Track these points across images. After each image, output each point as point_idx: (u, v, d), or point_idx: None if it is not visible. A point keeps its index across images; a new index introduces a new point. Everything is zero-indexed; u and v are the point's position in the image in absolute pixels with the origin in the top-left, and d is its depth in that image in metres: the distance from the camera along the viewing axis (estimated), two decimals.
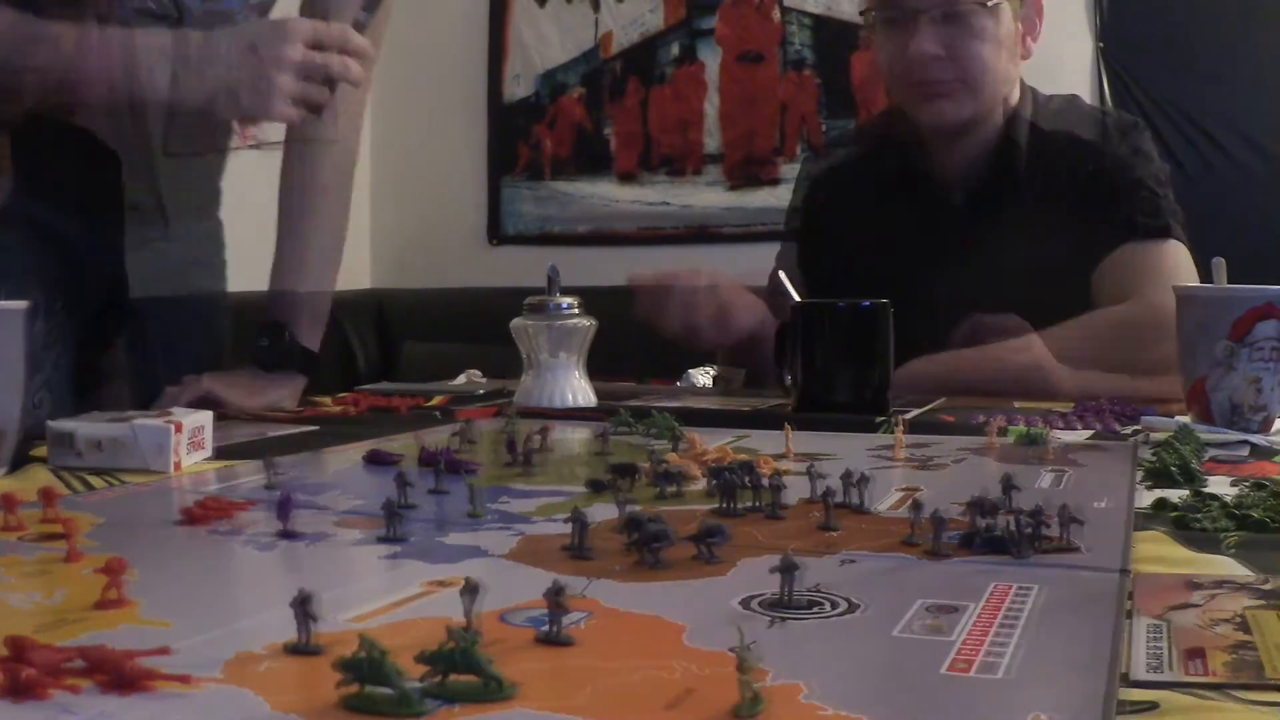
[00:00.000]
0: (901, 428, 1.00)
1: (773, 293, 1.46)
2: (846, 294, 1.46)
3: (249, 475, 0.85)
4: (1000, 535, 0.61)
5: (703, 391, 1.70)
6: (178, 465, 0.86)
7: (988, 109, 1.54)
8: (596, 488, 0.78)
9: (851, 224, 1.65)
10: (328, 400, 1.35)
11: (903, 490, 0.80)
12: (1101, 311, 1.45)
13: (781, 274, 1.35)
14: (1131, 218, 1.48)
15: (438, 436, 1.04)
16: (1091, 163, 1.53)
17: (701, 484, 0.80)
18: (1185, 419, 1.09)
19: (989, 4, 1.47)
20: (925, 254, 1.57)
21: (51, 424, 0.87)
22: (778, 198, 3.45)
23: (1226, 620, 0.50)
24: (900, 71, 1.51)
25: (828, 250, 1.67)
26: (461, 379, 1.67)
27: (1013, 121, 1.56)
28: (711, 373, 1.94)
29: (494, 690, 0.40)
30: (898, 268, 1.56)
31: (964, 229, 1.56)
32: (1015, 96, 1.57)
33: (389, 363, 3.33)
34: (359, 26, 1.23)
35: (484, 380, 1.65)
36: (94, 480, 0.82)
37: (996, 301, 1.50)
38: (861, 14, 1.63)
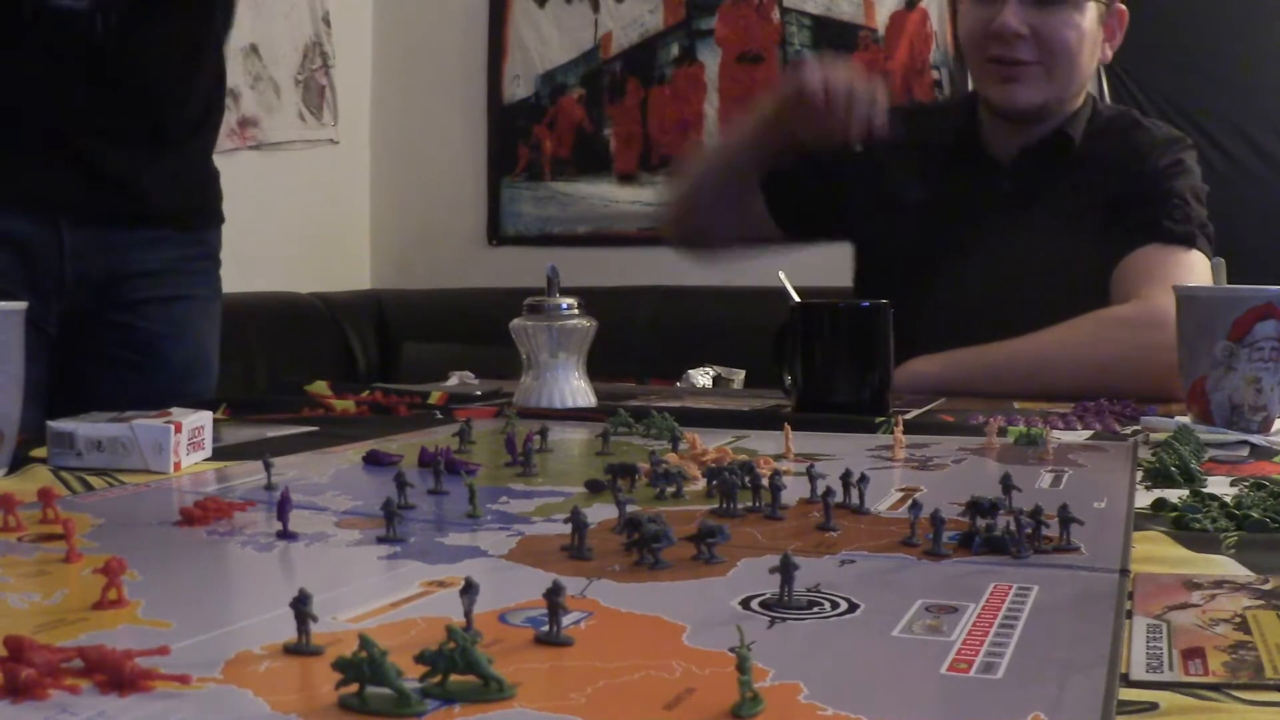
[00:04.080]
0: (900, 428, 1.00)
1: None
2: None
3: (248, 476, 0.85)
4: (999, 535, 0.61)
5: (703, 391, 1.70)
6: (177, 465, 0.86)
7: (1060, 99, 1.54)
8: (595, 488, 0.78)
9: (886, 158, 1.62)
10: (350, 404, 1.27)
11: (902, 490, 0.80)
12: (1106, 310, 1.45)
13: (781, 274, 1.35)
14: (1157, 221, 1.49)
15: (437, 437, 1.04)
16: (1134, 166, 1.54)
17: (701, 484, 0.80)
18: (1185, 419, 1.09)
19: None
20: (963, 224, 1.58)
21: (51, 424, 0.87)
22: None
23: (1226, 620, 0.50)
24: (981, 45, 1.52)
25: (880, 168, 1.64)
26: (453, 380, 1.66)
27: (1072, 119, 1.57)
28: (711, 373, 1.94)
29: (493, 690, 0.40)
30: (936, 239, 1.58)
31: (1005, 210, 1.57)
32: (1081, 98, 1.59)
33: (389, 363, 3.33)
34: None
35: (476, 382, 1.65)
36: (94, 480, 0.82)
37: (1020, 286, 1.52)
38: None
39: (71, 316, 1.38)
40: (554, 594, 0.46)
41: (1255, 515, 0.68)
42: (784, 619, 0.50)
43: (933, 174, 1.63)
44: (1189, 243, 1.49)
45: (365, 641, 0.39)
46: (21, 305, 0.85)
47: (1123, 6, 1.58)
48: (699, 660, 0.44)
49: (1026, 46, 1.49)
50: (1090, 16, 1.51)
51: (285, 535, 0.65)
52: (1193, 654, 0.45)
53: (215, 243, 1.53)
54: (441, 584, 0.55)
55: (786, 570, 0.51)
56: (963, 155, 1.62)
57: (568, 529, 0.62)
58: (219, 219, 1.53)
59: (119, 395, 1.20)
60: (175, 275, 1.45)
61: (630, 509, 0.67)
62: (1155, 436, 1.03)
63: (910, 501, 0.69)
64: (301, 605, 0.45)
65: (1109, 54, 1.59)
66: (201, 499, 0.71)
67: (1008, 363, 1.42)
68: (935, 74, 3.28)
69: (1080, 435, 1.08)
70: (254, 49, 3.32)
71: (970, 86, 1.74)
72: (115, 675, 0.41)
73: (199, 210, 1.50)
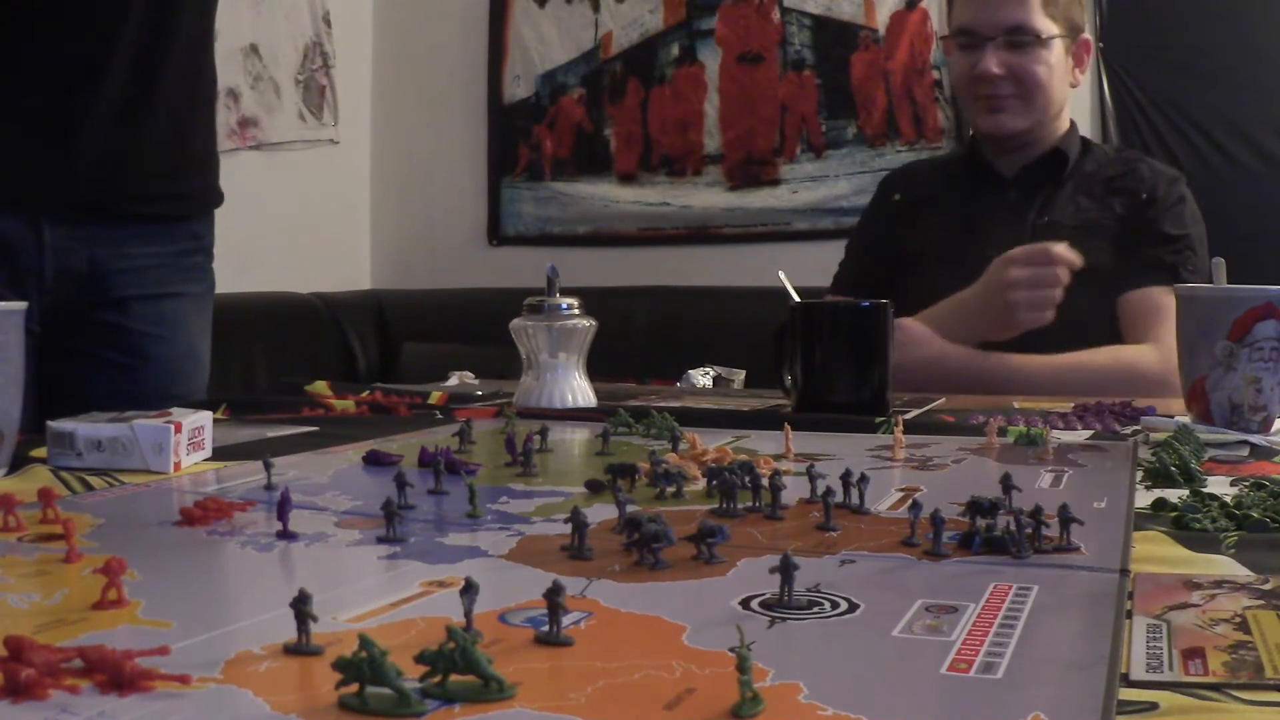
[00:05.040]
0: (900, 428, 1.00)
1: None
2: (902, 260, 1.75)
3: (248, 476, 0.85)
4: (999, 535, 0.61)
5: (703, 391, 1.70)
6: (177, 465, 0.86)
7: (1039, 123, 1.77)
8: (595, 488, 0.78)
9: (919, 198, 1.89)
10: (351, 404, 1.28)
11: (902, 490, 0.80)
12: (1124, 353, 1.62)
13: (781, 274, 1.35)
14: (1175, 266, 1.69)
15: (437, 437, 1.04)
16: (1146, 190, 1.74)
17: (701, 484, 0.80)
18: (1185, 419, 1.09)
19: (1044, 37, 1.73)
20: (975, 230, 1.77)
21: (51, 424, 0.87)
22: (777, 198, 3.45)
23: (1226, 620, 0.50)
24: (968, 86, 1.79)
25: (893, 226, 1.88)
26: (453, 380, 1.66)
27: (1064, 139, 1.80)
28: (711, 373, 1.94)
29: (493, 690, 0.40)
30: (950, 242, 1.77)
31: (1013, 216, 1.77)
32: (1065, 124, 1.81)
33: (389, 363, 3.33)
34: None
35: (476, 381, 1.65)
36: (94, 480, 0.82)
37: None
38: (941, 37, 1.92)
39: (55, 313, 1.33)
40: (554, 594, 0.46)
41: (1255, 515, 0.68)
42: (784, 619, 0.50)
43: (951, 189, 1.86)
44: None
45: (365, 641, 0.39)
46: (21, 305, 0.85)
47: (1088, 37, 1.82)
48: (699, 660, 0.44)
49: (1005, 84, 1.74)
50: (1057, 51, 1.75)
51: (285, 535, 0.65)
52: (1193, 654, 0.45)
53: (208, 235, 1.48)
54: (441, 584, 0.55)
55: (786, 570, 0.51)
56: (972, 172, 1.85)
57: (568, 529, 0.62)
58: (213, 203, 1.48)
59: (106, 396, 1.17)
60: (165, 271, 1.41)
61: (630, 509, 0.67)
62: (1155, 436, 1.03)
63: (910, 501, 0.69)
64: (301, 605, 0.45)
65: (1079, 79, 1.83)
66: (201, 499, 0.71)
67: (1021, 377, 1.57)
68: (935, 74, 3.27)
69: (1080, 435, 1.08)
70: (254, 49, 3.32)
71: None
72: (115, 675, 0.41)
73: (189, 197, 1.44)
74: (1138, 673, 0.44)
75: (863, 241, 1.95)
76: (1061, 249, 1.53)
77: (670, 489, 0.77)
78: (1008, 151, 1.80)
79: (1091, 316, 1.66)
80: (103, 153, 1.33)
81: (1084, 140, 1.85)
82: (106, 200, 1.35)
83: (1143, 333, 1.65)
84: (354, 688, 0.39)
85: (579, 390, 1.27)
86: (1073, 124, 1.83)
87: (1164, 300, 1.63)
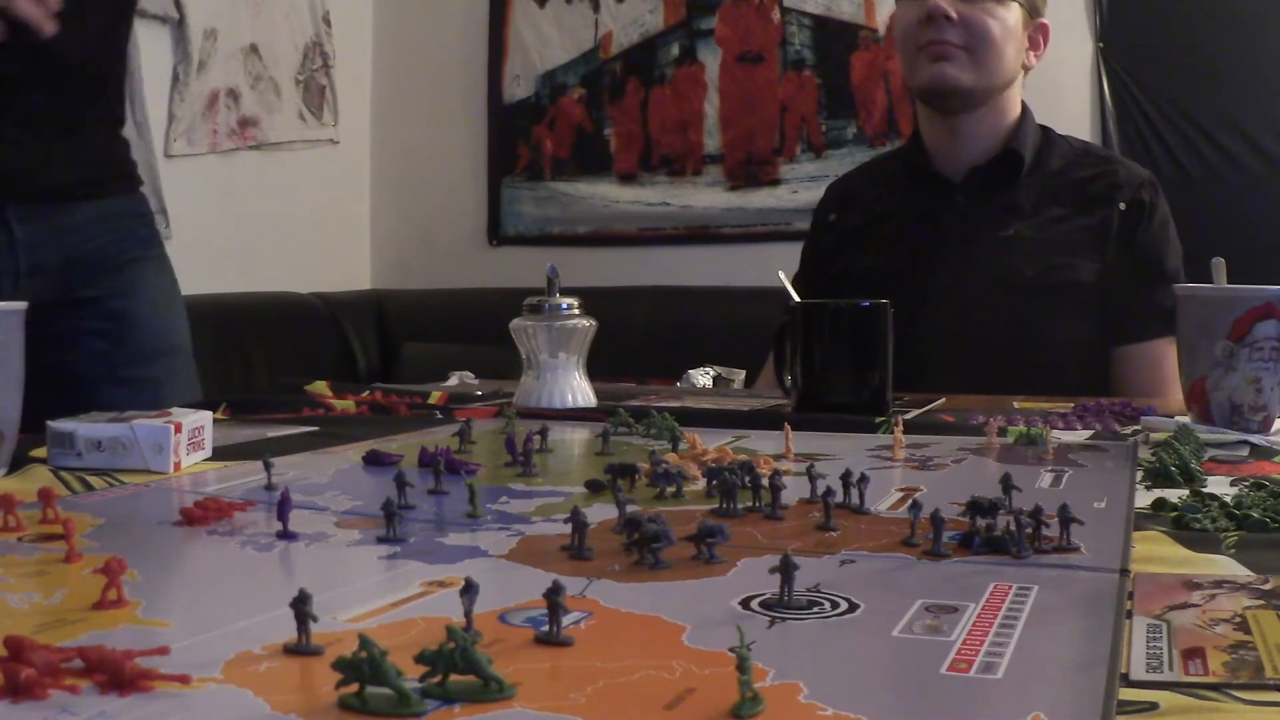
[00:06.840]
0: (900, 428, 1.00)
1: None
2: (849, 283, 1.58)
3: (248, 476, 0.85)
4: (999, 535, 0.61)
5: (703, 391, 1.70)
6: (177, 465, 0.86)
7: (986, 89, 1.63)
8: (595, 488, 0.78)
9: (856, 219, 1.77)
10: (351, 404, 1.27)
11: (902, 490, 0.80)
12: None
13: (781, 274, 1.35)
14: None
15: (437, 437, 1.04)
16: (1125, 200, 1.62)
17: (701, 484, 0.80)
18: (1185, 419, 1.09)
19: None
20: (926, 244, 1.67)
21: (51, 424, 0.87)
22: (777, 198, 3.45)
23: (1226, 620, 0.50)
24: (914, 35, 1.63)
25: (833, 250, 1.78)
26: (453, 380, 1.66)
27: (1015, 136, 1.66)
28: (711, 373, 1.94)
29: (493, 690, 0.40)
30: (897, 257, 1.67)
31: (964, 224, 1.66)
32: (1015, 110, 1.68)
33: (389, 363, 3.33)
34: None
35: (476, 381, 1.65)
36: (94, 480, 0.82)
37: (995, 291, 1.60)
38: None
39: (33, 307, 1.37)
40: (554, 594, 0.46)
41: (1255, 515, 0.68)
42: (784, 619, 0.50)
43: (892, 199, 1.75)
44: None
45: (365, 641, 0.39)
46: (21, 305, 0.85)
47: (1046, 22, 1.69)
48: (699, 660, 0.44)
49: (955, 30, 1.60)
50: (1015, 15, 1.62)
51: (285, 535, 0.65)
52: (1193, 654, 0.45)
53: (149, 210, 1.50)
54: (441, 584, 0.55)
55: (786, 570, 0.51)
56: (915, 178, 1.73)
57: (568, 529, 0.62)
58: (139, 182, 1.52)
59: (100, 364, 1.17)
60: (123, 244, 1.44)
61: (630, 509, 0.67)
62: (1155, 436, 1.03)
63: (910, 501, 0.69)
64: (301, 605, 0.45)
65: (1034, 61, 1.69)
66: (201, 499, 0.71)
67: None
68: None
69: (1080, 435, 1.08)
70: (254, 49, 3.31)
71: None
72: (115, 675, 0.41)
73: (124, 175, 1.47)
74: (1138, 673, 0.44)
75: (812, 261, 1.81)
76: None
77: (670, 489, 0.77)
78: (957, 113, 1.65)
79: (1072, 336, 1.59)
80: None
81: (1044, 129, 1.71)
82: (66, 180, 1.37)
83: (1154, 391, 1.54)
84: (354, 688, 0.39)
85: (579, 390, 1.27)
86: (1026, 111, 1.69)
87: (1169, 353, 1.49)
